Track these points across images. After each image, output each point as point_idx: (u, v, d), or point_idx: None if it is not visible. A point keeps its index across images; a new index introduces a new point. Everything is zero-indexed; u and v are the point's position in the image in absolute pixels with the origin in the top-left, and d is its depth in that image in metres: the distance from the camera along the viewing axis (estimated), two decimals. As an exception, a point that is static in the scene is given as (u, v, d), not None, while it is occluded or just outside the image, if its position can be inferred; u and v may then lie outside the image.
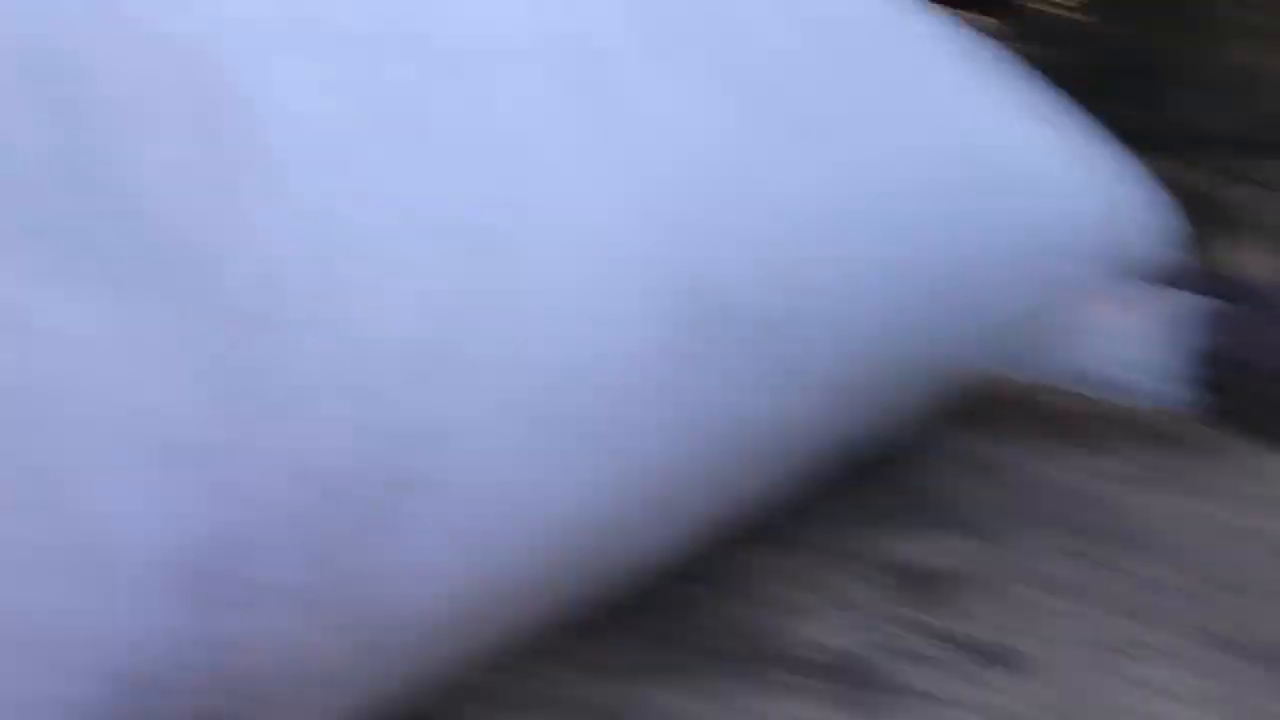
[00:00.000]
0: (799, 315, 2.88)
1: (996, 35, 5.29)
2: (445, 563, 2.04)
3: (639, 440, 2.43)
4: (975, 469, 4.39)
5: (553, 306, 2.18)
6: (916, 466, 4.20)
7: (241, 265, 1.69)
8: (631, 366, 2.36)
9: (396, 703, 2.12)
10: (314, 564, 1.80)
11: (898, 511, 3.86)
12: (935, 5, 4.68)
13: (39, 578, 1.45)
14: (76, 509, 1.48)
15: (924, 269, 3.48)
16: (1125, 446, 5.08)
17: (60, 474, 1.47)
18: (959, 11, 5.08)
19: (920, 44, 4.00)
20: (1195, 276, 6.06)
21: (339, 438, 1.79)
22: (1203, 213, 6.00)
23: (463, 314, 2.02)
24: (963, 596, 3.39)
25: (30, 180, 1.53)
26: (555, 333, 2.18)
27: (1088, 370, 5.67)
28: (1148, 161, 5.15)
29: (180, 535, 1.59)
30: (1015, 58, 4.97)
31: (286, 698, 1.85)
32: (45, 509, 1.46)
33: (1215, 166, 7.62)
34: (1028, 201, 4.24)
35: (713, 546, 3.03)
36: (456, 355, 1.98)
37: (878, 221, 3.25)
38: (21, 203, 1.51)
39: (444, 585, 2.05)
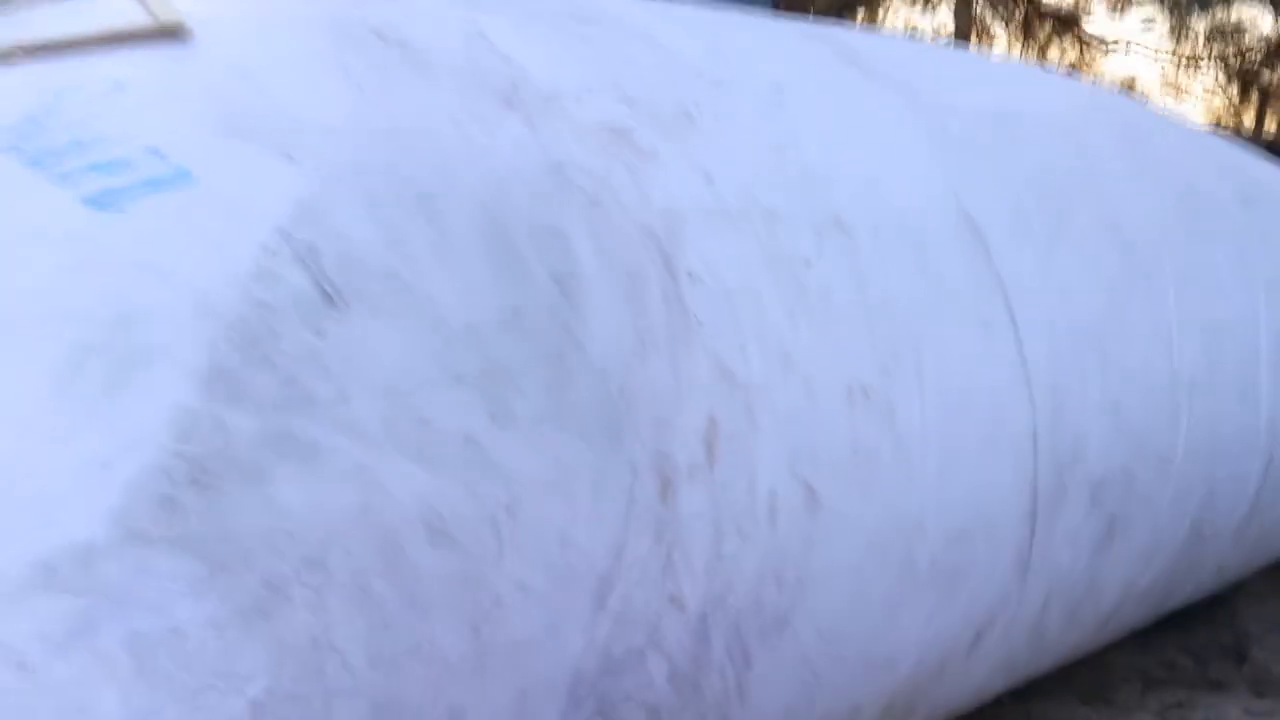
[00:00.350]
0: (1141, 478, 2.89)
1: None
2: (796, 692, 2.15)
3: (980, 593, 2.49)
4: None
5: (926, 469, 2.26)
6: (1227, 628, 4.09)
7: (666, 418, 1.84)
8: (987, 526, 2.42)
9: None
10: (684, 687, 1.93)
11: (1203, 671, 3.78)
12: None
13: (470, 682, 1.61)
14: (509, 625, 1.64)
15: (1263, 434, 3.44)
16: None
17: (499, 594, 1.63)
18: None
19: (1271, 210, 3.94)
20: None
21: (709, 578, 1.91)
22: None
23: (843, 468, 2.12)
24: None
25: (495, 330, 1.68)
26: (924, 493, 2.26)
27: None
28: None
29: (563, 656, 1.73)
30: None
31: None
32: (485, 623, 1.62)
33: None
34: None
35: (1025, 696, 3.08)
36: (821, 505, 2.08)
37: (1223, 387, 3.23)
38: (487, 348, 1.66)
39: (793, 713, 2.17)
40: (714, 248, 1.97)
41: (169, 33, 1.83)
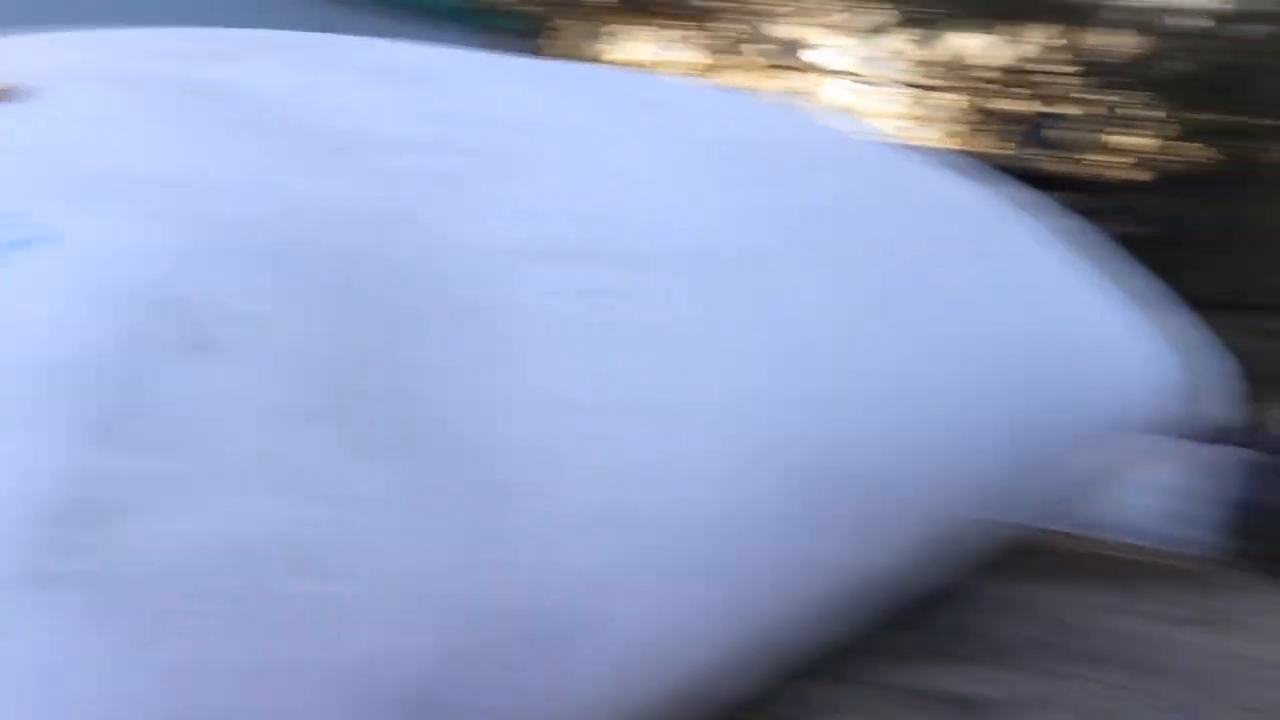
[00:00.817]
0: (887, 474, 3.10)
1: (1073, 209, 5.48)
2: (606, 691, 2.30)
3: (750, 586, 2.67)
4: (1019, 609, 4.53)
5: (701, 472, 2.43)
6: (964, 607, 4.35)
7: (499, 442, 1.97)
8: (766, 527, 2.61)
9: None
10: (501, 688, 2.05)
11: (946, 647, 4.00)
12: (1020, 184, 4.94)
13: (331, 697, 1.71)
14: (364, 642, 1.74)
15: (995, 433, 3.69)
16: (1159, 588, 5.18)
17: (355, 614, 1.73)
18: (1042, 190, 5.33)
19: (1006, 230, 4.25)
20: (1236, 430, 6.26)
21: (536, 586, 2.05)
22: (1251, 371, 6.21)
23: (634, 479, 2.28)
24: (990, 724, 3.55)
25: (345, 367, 1.79)
26: (710, 502, 2.43)
27: (1129, 519, 5.86)
28: (1206, 323, 5.43)
29: (409, 667, 1.84)
30: (1089, 229, 5.22)
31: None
32: (343, 641, 1.72)
33: (1267, 327, 7.84)
34: (1090, 368, 4.45)
35: (780, 680, 3.20)
36: (627, 514, 2.24)
37: (961, 390, 3.47)
38: (339, 385, 1.77)
39: (599, 708, 2.31)
40: (535, 282, 2.11)
41: (3, 95, 1.88)
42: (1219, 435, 6.06)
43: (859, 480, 2.97)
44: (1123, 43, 10.16)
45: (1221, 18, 10.20)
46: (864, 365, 3.03)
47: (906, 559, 3.49)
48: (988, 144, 10.06)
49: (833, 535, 2.93)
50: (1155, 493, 6.05)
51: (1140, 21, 10.07)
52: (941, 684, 3.72)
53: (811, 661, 3.35)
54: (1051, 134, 9.87)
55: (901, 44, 10.41)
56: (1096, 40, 10.15)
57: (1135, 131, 10.28)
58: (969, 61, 10.32)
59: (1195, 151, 10.11)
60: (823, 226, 3.12)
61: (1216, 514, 6.05)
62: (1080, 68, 10.15)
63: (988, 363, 3.68)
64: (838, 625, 3.33)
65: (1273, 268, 8.61)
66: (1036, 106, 10.25)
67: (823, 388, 2.83)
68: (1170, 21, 10.11)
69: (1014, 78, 10.29)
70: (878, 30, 10.31)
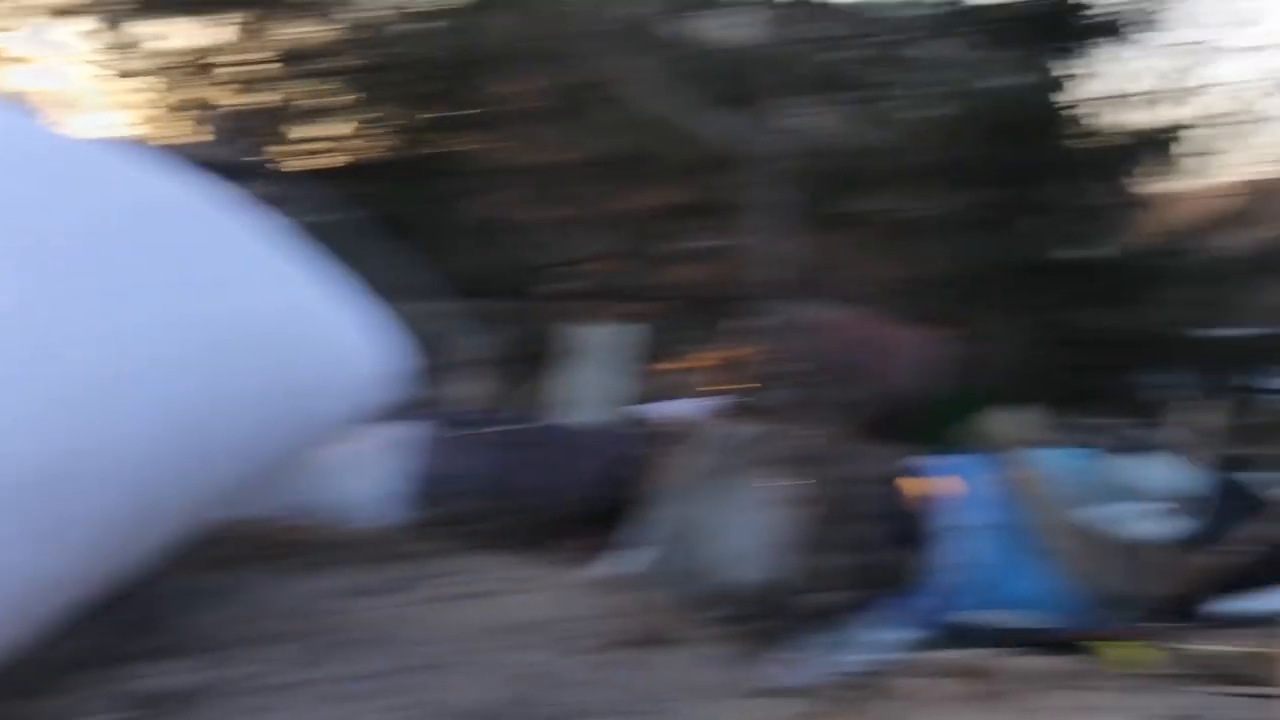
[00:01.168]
0: (72, 472, 3.16)
1: (267, 198, 5.62)
2: None
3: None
4: (212, 598, 4.71)
5: None
6: (157, 601, 4.44)
7: None
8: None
9: None
10: None
11: (139, 644, 4.10)
12: (215, 175, 5.02)
13: None
14: None
15: (189, 426, 3.81)
16: (349, 564, 5.54)
17: None
18: (235, 181, 5.41)
19: (213, 223, 4.37)
20: (423, 407, 6.74)
21: None
22: (437, 351, 6.67)
23: None
24: (200, 712, 3.72)
25: None
26: None
27: (321, 500, 6.15)
28: (397, 309, 5.68)
29: None
30: (286, 218, 5.38)
31: None
32: None
33: (451, 310, 8.46)
34: (284, 357, 4.63)
35: None
36: None
37: (151, 385, 3.57)
38: None
39: None
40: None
41: None
42: (408, 413, 6.49)
43: (34, 479, 2.98)
44: (320, 32, 10.48)
45: (412, 14, 10.78)
46: (40, 361, 3.04)
47: (96, 559, 3.49)
48: (184, 133, 10.02)
49: (11, 536, 2.92)
50: (358, 473, 6.38)
51: (335, 13, 10.44)
52: (131, 680, 3.82)
53: (25, 674, 3.36)
54: (249, 124, 10.04)
55: (95, 28, 10.07)
56: (295, 30, 10.40)
57: (332, 120, 10.66)
58: (165, 48, 10.19)
59: (392, 141, 10.62)
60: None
61: (403, 487, 6.47)
62: (279, 56, 10.36)
63: (177, 356, 3.75)
64: (27, 633, 3.30)
65: (464, 256, 9.31)
66: (235, 96, 10.35)
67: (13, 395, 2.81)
68: (364, 14, 10.55)
69: (212, 66, 10.31)
70: (63, 13, 9.90)
